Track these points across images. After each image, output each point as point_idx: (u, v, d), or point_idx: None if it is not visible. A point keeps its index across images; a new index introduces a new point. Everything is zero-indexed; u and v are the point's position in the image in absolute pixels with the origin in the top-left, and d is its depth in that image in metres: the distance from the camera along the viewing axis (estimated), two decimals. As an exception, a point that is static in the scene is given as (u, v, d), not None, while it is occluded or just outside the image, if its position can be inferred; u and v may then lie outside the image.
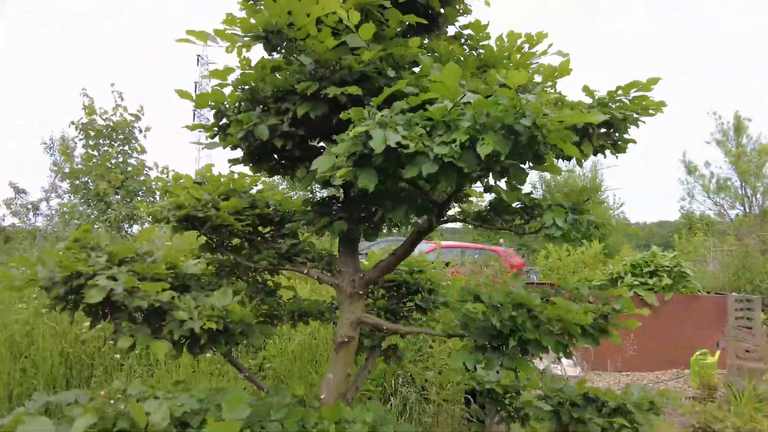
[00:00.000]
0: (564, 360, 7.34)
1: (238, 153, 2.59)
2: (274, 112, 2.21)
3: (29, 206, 12.93)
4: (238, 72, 2.29)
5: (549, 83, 2.58)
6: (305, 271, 2.69)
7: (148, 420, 1.34)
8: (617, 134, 2.38)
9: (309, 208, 2.58)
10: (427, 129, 1.63)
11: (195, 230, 2.68)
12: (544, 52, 2.59)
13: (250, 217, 2.71)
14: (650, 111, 2.46)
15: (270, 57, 2.24)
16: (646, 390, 2.22)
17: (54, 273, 1.85)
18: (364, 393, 4.75)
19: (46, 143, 15.24)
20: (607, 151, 2.55)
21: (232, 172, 2.84)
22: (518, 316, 1.72)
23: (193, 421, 1.53)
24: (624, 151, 2.52)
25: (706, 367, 6.47)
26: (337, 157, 1.76)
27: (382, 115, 1.63)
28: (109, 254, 1.97)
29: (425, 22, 2.31)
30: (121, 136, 12.67)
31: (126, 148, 12.76)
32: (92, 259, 1.94)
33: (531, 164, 1.65)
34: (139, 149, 12.81)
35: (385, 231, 2.65)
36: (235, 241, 2.87)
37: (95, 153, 12.02)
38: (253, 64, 2.19)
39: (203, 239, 2.83)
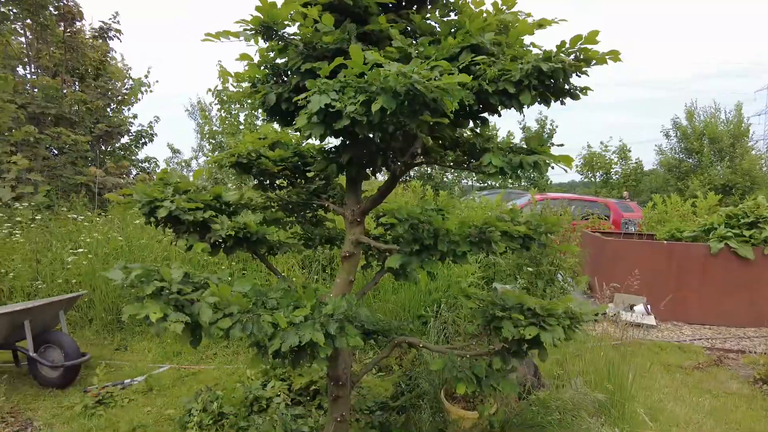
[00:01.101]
0: (639, 308, 7.32)
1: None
2: (282, 83, 2.97)
3: (183, 164, 15.60)
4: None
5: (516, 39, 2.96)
6: (326, 204, 3.49)
7: (171, 276, 2.27)
8: (563, 84, 2.72)
9: (322, 155, 3.34)
10: (354, 93, 2.26)
11: (248, 174, 3.62)
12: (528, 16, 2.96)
13: (293, 162, 3.57)
14: (607, 59, 2.74)
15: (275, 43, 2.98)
16: (578, 303, 2.66)
17: (143, 198, 2.87)
18: (419, 317, 5.56)
19: (188, 110, 18.07)
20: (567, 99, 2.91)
21: (284, 130, 3.71)
22: (420, 228, 2.31)
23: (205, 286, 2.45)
24: (578, 98, 2.84)
25: (798, 324, 6.08)
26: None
27: (321, 84, 2.30)
28: (175, 187, 2.95)
29: (394, 0, 2.85)
30: (249, 101, 14.57)
31: (254, 111, 14.67)
32: (166, 190, 2.94)
33: (430, 114, 2.18)
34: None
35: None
36: (279, 181, 3.76)
37: (228, 116, 14.05)
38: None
39: (256, 181, 3.76)
